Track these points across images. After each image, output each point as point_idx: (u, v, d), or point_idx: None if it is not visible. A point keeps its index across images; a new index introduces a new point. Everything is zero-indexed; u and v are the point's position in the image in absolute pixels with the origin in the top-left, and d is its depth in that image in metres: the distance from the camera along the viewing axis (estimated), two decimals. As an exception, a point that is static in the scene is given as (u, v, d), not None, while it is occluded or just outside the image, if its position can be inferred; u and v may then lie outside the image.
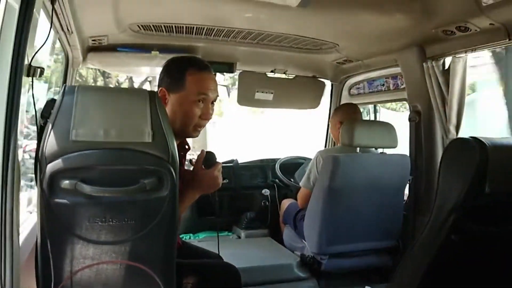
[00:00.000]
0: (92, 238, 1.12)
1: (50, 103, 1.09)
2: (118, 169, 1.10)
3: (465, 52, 2.05)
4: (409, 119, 2.44)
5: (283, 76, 3.12)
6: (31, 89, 1.13)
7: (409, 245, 2.39)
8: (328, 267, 2.33)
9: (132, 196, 1.11)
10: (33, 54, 1.10)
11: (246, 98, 3.14)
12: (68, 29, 1.80)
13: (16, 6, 0.99)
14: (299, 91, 3.19)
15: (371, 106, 3.22)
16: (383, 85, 2.86)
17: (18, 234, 1.12)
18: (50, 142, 1.04)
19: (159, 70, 1.59)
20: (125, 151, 1.09)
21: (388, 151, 2.49)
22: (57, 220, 1.09)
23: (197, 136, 1.56)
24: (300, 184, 2.62)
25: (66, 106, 1.06)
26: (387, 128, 2.33)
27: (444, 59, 2.18)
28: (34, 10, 1.03)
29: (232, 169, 3.17)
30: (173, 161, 1.14)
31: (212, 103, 1.53)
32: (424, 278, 1.31)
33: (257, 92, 3.09)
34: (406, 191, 2.48)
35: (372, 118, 3.22)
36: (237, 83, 3.09)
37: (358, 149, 2.34)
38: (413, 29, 2.07)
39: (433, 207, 1.28)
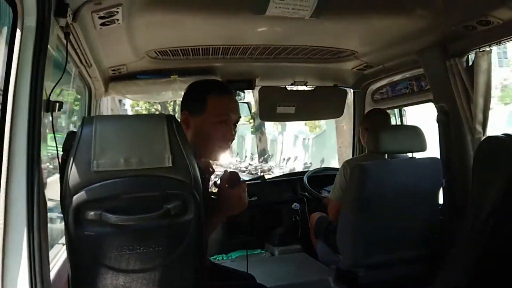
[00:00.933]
0: (122, 267, 1.11)
1: (71, 135, 1.11)
2: (141, 196, 1.10)
3: (489, 46, 1.98)
4: (437, 121, 2.36)
5: (304, 88, 3.09)
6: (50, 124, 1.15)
7: (449, 252, 2.30)
8: (365, 279, 2.25)
9: (157, 222, 1.10)
10: (51, 89, 1.11)
11: (268, 113, 3.13)
12: (87, 62, 1.84)
13: (31, 44, 1.01)
14: (321, 102, 3.16)
15: (396, 110, 3.14)
16: (407, 87, 2.79)
17: (49, 270, 1.13)
18: (73, 175, 1.05)
19: (180, 93, 1.60)
20: (147, 177, 1.09)
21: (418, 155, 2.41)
22: (86, 252, 1.09)
23: (219, 158, 1.55)
24: (329, 196, 2.57)
25: (86, 138, 1.07)
26: (415, 131, 2.26)
27: (467, 56, 2.10)
28: (49, 46, 1.05)
29: (260, 185, 3.14)
30: (196, 183, 1.13)
31: (234, 124, 1.53)
32: (469, 284, 1.24)
33: (279, 106, 3.07)
34: (441, 195, 2.38)
35: (398, 122, 3.14)
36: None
37: (386, 155, 2.27)
38: (433, 28, 2.01)
39: (470, 212, 1.22)
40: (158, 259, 1.13)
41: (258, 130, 18.31)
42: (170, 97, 2.86)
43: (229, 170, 1.52)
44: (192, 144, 1.47)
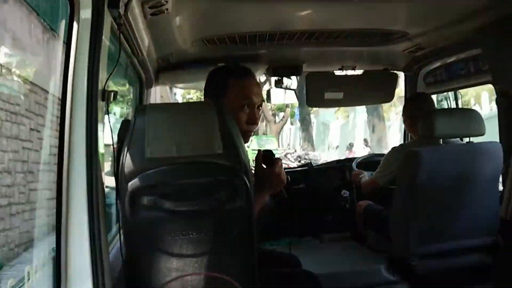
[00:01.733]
0: (174, 252, 1.14)
1: (125, 124, 1.14)
2: (193, 182, 1.12)
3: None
4: (497, 103, 2.22)
5: (352, 72, 3.02)
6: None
7: (509, 241, 2.18)
8: (420, 269, 2.18)
9: (209, 208, 1.11)
10: (106, 79, 1.15)
11: (315, 99, 3.08)
12: (138, 52, 1.88)
13: (88, 36, 1.05)
14: (371, 86, 3.06)
15: (451, 94, 2.99)
16: (463, 69, 2.64)
17: (108, 252, 1.17)
18: (128, 162, 1.08)
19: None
20: (199, 164, 1.11)
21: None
22: (140, 236, 1.13)
23: (247, 142, 1.54)
24: (373, 175, 2.51)
25: (139, 126, 1.10)
26: (472, 114, 2.14)
27: (530, 33, 1.96)
28: (103, 37, 1.08)
29: (308, 173, 3.12)
30: (246, 170, 1.13)
31: (258, 108, 1.52)
32: None
33: (327, 92, 3.01)
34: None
35: (453, 106, 2.99)
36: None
37: (440, 140, 2.17)
38: (491, 5, 1.88)
39: None
40: (209, 245, 1.15)
41: (303, 119, 17.94)
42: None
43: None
44: None
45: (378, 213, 2.55)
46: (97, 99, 1.07)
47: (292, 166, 3.25)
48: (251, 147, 10.75)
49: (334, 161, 3.29)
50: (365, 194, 2.77)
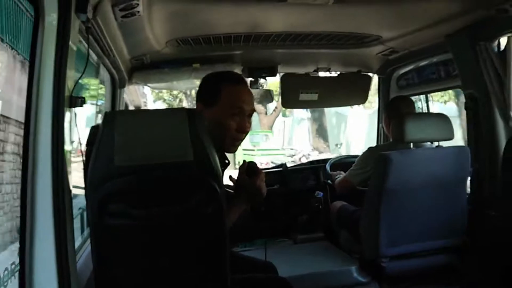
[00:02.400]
0: (145, 258, 1.13)
1: (94, 130, 1.12)
2: (163, 189, 1.10)
3: (523, 30, 1.89)
4: (466, 107, 2.28)
5: (327, 74, 3.04)
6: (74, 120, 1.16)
7: (478, 241, 2.25)
8: (390, 270, 2.22)
9: (179, 215, 1.10)
10: (73, 85, 1.12)
11: (290, 100, 3.10)
12: (109, 53, 1.85)
13: (53, 41, 1.02)
14: (345, 88, 3.10)
15: (422, 97, 3.05)
16: (434, 73, 2.70)
17: (75, 261, 1.15)
18: (96, 169, 1.06)
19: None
20: (168, 171, 1.09)
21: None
22: (109, 242, 1.11)
23: (234, 151, 1.55)
24: (346, 174, 2.54)
25: (108, 132, 1.08)
26: (441, 119, 2.19)
27: (498, 40, 2.01)
28: (70, 42, 1.06)
29: (282, 173, 3.13)
30: (216, 177, 1.12)
31: (249, 116, 1.52)
32: (502, 278, 1.21)
33: (301, 93, 3.03)
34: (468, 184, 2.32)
35: (425, 110, 3.05)
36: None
37: (411, 144, 2.21)
38: (462, 12, 1.93)
39: (501, 205, 1.17)
40: (180, 251, 1.14)
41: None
42: (192, 86, 2.86)
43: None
44: None
45: (351, 214, 2.58)
46: (64, 105, 1.05)
47: (266, 167, 3.24)
48: (243, 146, 10.37)
49: (308, 162, 3.31)
50: (339, 194, 2.81)
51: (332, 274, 2.26)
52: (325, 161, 3.21)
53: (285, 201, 3.05)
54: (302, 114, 16.98)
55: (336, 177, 2.84)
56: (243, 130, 1.49)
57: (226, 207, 1.24)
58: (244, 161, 1.50)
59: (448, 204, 2.22)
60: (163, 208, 1.09)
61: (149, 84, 2.85)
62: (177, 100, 15.50)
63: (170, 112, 1.19)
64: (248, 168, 1.47)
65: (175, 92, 14.67)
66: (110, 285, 1.13)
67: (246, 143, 12.70)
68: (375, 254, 2.21)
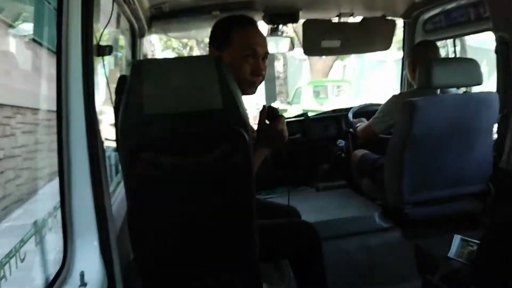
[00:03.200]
0: (176, 204, 1.17)
1: (122, 80, 1.12)
2: (193, 138, 1.12)
3: None
4: (496, 51, 2.20)
5: (350, 20, 2.94)
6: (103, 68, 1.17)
7: (501, 188, 2.24)
8: (412, 216, 2.25)
9: (209, 163, 1.12)
10: (100, 33, 1.12)
11: (312, 47, 3.02)
12: (129, 2, 1.82)
13: None
14: (368, 34, 2.99)
15: (450, 42, 2.94)
16: (463, 15, 2.59)
17: (110, 203, 1.20)
18: (126, 118, 1.08)
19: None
20: (198, 119, 1.10)
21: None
22: (140, 188, 1.14)
23: (253, 93, 1.54)
24: (370, 121, 2.52)
25: (137, 83, 1.08)
26: (469, 63, 2.12)
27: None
28: None
29: (304, 123, 3.13)
30: (245, 125, 1.13)
31: (263, 59, 1.50)
32: None
33: (323, 40, 2.95)
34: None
35: (452, 55, 2.95)
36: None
37: (438, 90, 2.16)
38: None
39: None
40: (209, 198, 1.18)
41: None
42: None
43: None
44: None
45: (373, 162, 2.58)
46: (93, 54, 1.05)
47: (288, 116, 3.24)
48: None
49: (330, 110, 3.29)
50: (361, 142, 2.80)
51: (355, 220, 2.31)
52: (347, 109, 3.17)
53: (307, 150, 3.06)
54: (380, 56, 11.97)
55: (358, 125, 2.82)
56: (258, 73, 1.48)
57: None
58: (264, 105, 1.49)
59: (474, 151, 2.19)
60: (193, 157, 1.11)
61: (169, 34, 2.82)
62: (187, 48, 15.03)
63: (197, 60, 1.19)
64: (269, 112, 1.47)
65: (185, 40, 13.76)
66: (142, 230, 1.18)
67: (309, 100, 10.30)
68: (398, 200, 2.24)
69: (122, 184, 1.77)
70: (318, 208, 2.41)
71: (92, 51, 1.05)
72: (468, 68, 2.11)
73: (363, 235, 2.27)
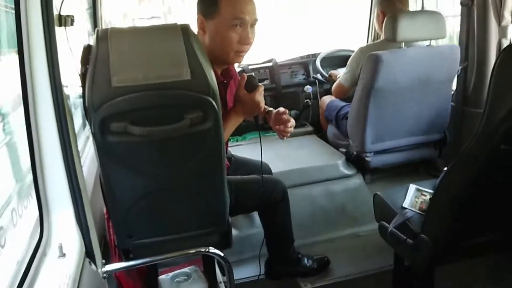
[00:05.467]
0: (146, 171, 1.21)
1: (87, 49, 1.10)
2: (162, 108, 1.13)
3: None
4: (461, 3, 2.23)
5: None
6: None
7: (456, 136, 2.39)
8: (374, 163, 2.38)
9: (179, 131, 1.15)
10: (61, 3, 1.07)
11: None
12: None
13: None
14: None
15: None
16: (432, -37, 2.57)
17: (81, 165, 1.21)
18: (94, 90, 1.07)
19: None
20: (167, 90, 1.10)
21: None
22: (113, 157, 1.16)
23: (240, 61, 1.54)
24: (340, 78, 2.57)
25: (103, 53, 1.06)
26: (434, 17, 2.15)
27: None
28: None
29: (271, 69, 3.12)
30: (213, 93, 1.14)
31: (252, 26, 1.47)
32: (471, 185, 1.33)
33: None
34: (455, 81, 2.38)
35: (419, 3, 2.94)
36: None
37: (403, 44, 2.20)
38: None
39: (483, 115, 1.24)
40: (179, 164, 1.22)
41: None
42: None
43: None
44: (210, 49, 1.45)
45: (339, 110, 2.66)
46: (53, 24, 1.01)
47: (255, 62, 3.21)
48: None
49: (298, 57, 3.27)
50: (328, 88, 2.85)
51: (320, 168, 2.41)
52: (315, 55, 3.18)
53: (274, 96, 3.09)
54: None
55: (334, 78, 2.85)
56: (246, 41, 1.46)
57: (224, 119, 1.29)
58: (243, 75, 1.49)
59: (434, 101, 2.30)
60: (164, 125, 1.13)
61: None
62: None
63: (165, 29, 1.16)
64: (247, 82, 1.47)
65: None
66: (115, 194, 1.22)
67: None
68: (360, 149, 2.35)
69: (91, 139, 1.77)
70: (286, 156, 2.49)
71: (53, 21, 1.01)
72: (432, 21, 2.14)
73: (327, 181, 2.39)
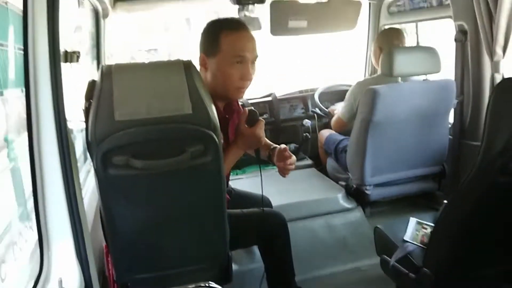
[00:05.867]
0: (147, 204, 1.21)
1: (92, 85, 1.13)
2: (164, 141, 1.15)
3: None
4: (455, 40, 2.29)
5: (317, 0, 2.96)
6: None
7: (455, 169, 2.40)
8: (373, 196, 2.38)
9: (180, 164, 1.16)
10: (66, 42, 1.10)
11: (279, 28, 3.02)
12: None
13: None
14: (334, 14, 3.02)
15: (413, 27, 3.02)
16: (426, 1, 2.66)
17: (82, 199, 1.22)
18: (98, 124, 1.09)
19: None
20: (168, 124, 1.13)
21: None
22: (114, 189, 1.17)
23: (241, 97, 1.58)
24: (338, 113, 2.60)
25: (106, 88, 1.09)
26: (429, 52, 2.21)
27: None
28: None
29: (271, 103, 3.17)
30: (214, 127, 1.17)
31: (252, 63, 1.51)
32: (471, 218, 1.34)
33: (290, 20, 2.96)
34: (452, 115, 2.41)
35: (415, 39, 3.03)
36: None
37: (399, 78, 2.25)
38: None
39: (480, 149, 1.26)
40: (182, 196, 1.23)
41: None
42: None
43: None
44: (211, 85, 1.49)
45: (338, 144, 2.68)
46: (60, 61, 1.05)
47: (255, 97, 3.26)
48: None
49: (297, 91, 3.34)
50: (327, 122, 2.88)
51: (320, 201, 2.41)
52: (314, 90, 3.23)
53: (274, 130, 3.13)
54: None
55: (333, 113, 2.89)
56: (247, 78, 1.50)
57: (225, 152, 1.30)
58: (245, 109, 1.52)
59: (431, 135, 2.33)
60: (165, 159, 1.14)
61: (133, 13, 2.75)
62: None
63: (168, 65, 1.20)
64: (249, 116, 1.50)
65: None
66: (116, 228, 1.22)
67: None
68: (360, 182, 2.36)
69: (92, 172, 1.78)
70: (285, 190, 2.49)
71: (60, 58, 1.04)
72: (428, 56, 2.20)
73: (327, 215, 2.38)
